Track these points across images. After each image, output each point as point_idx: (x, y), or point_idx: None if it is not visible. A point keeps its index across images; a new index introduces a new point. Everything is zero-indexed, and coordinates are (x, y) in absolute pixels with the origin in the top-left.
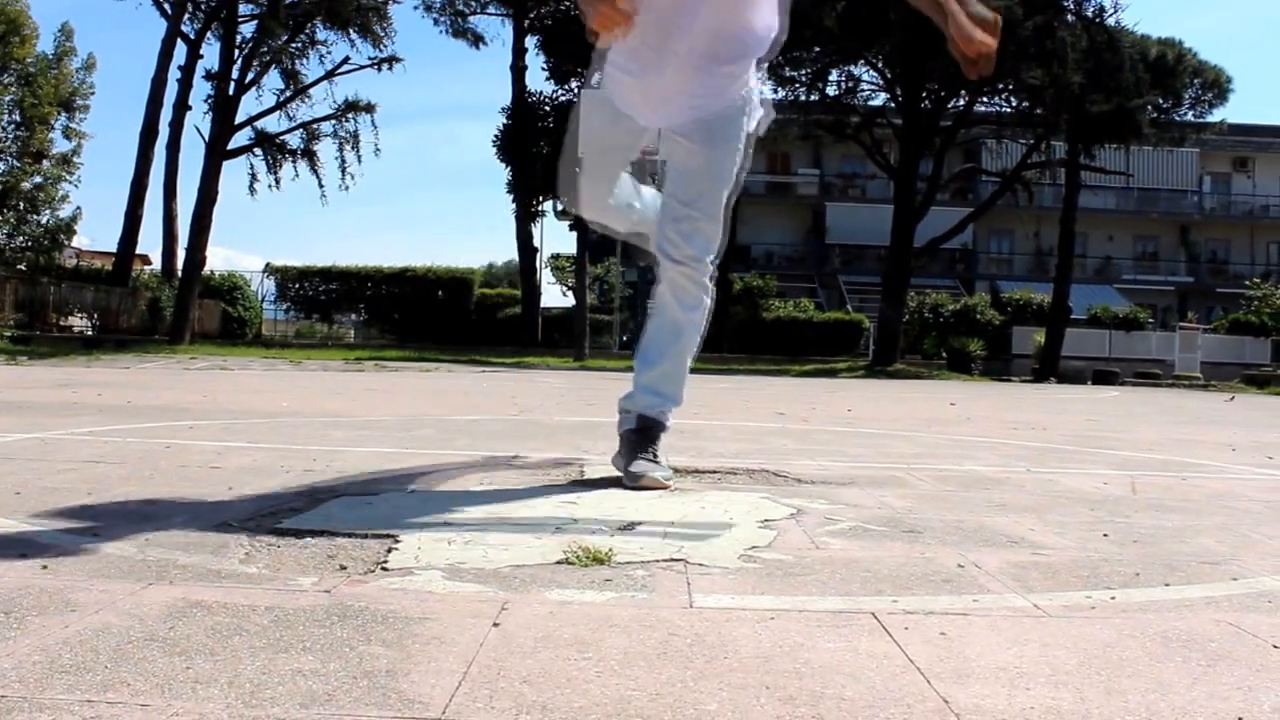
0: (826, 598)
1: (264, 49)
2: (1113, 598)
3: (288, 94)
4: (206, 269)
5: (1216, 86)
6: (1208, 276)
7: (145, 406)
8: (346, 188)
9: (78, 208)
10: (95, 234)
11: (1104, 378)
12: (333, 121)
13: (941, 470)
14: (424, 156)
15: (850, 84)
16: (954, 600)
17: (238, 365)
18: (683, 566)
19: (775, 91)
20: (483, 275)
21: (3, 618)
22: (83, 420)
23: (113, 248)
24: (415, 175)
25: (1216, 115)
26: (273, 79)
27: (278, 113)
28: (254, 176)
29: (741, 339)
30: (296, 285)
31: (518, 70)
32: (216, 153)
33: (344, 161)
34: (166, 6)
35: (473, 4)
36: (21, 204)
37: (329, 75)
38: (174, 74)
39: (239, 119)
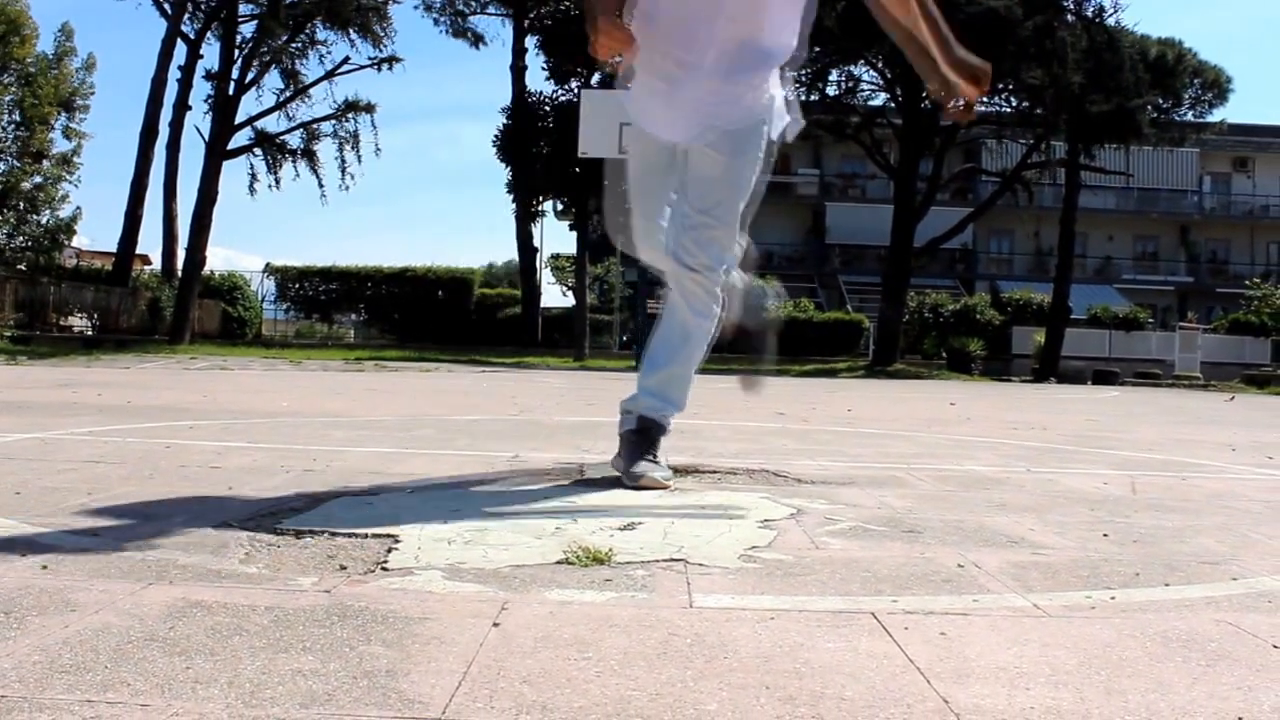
0: (826, 598)
1: (264, 49)
2: (1113, 598)
3: (288, 94)
4: (206, 269)
5: (1216, 86)
6: (1208, 276)
7: (145, 406)
8: (346, 188)
9: (78, 208)
10: (95, 234)
11: (1104, 378)
12: (333, 121)
13: (941, 470)
14: (424, 156)
15: (850, 84)
16: (954, 600)
17: (238, 365)
18: (683, 566)
19: None
20: (483, 275)
21: (3, 618)
22: (83, 420)
23: (113, 248)
24: (415, 175)
25: (1216, 115)
26: (273, 79)
27: (278, 113)
28: (254, 176)
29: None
30: (296, 285)
31: (518, 70)
32: (216, 153)
33: (344, 161)
34: (166, 6)
35: (473, 4)
36: (21, 204)
37: (329, 75)
38: (174, 74)
39: (239, 119)
